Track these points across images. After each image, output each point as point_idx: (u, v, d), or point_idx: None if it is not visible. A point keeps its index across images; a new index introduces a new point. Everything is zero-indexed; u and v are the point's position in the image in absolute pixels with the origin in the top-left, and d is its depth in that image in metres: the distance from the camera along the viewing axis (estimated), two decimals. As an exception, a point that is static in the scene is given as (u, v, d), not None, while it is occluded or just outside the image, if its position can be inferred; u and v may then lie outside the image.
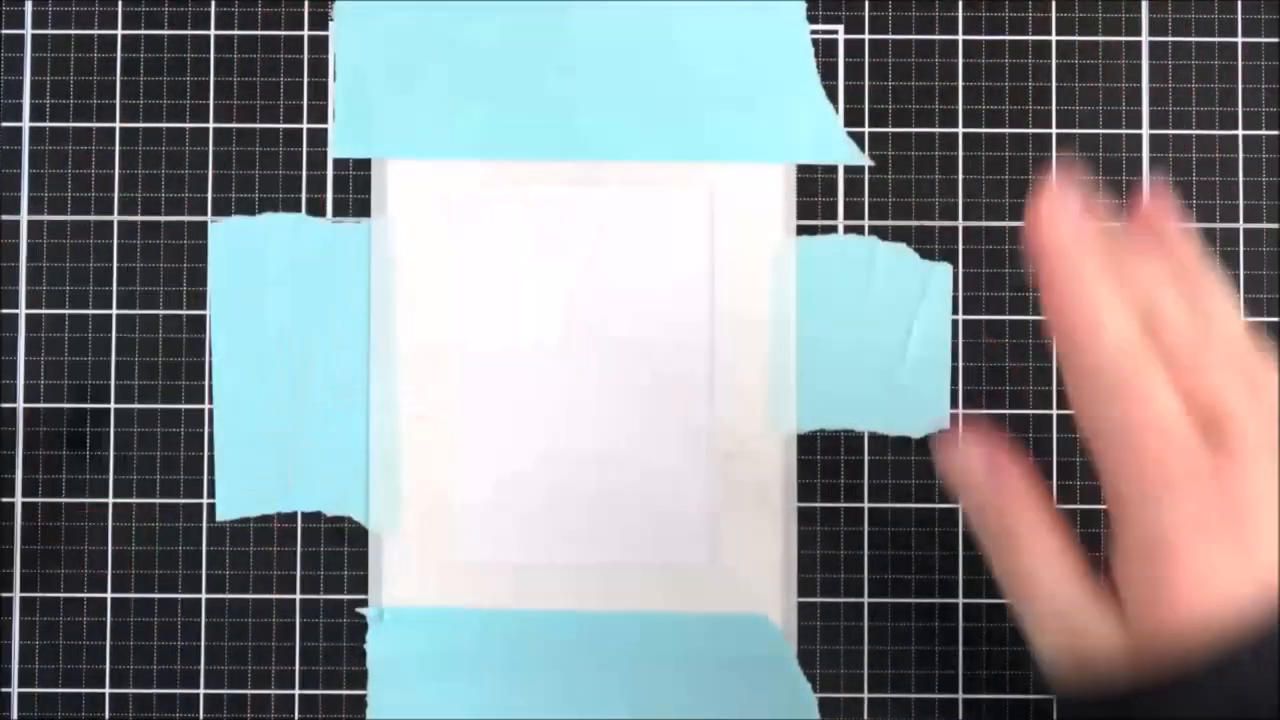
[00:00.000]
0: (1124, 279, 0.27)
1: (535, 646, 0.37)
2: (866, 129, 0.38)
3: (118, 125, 0.38)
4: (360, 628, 0.37)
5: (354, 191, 0.38)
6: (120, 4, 0.38)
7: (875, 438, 0.37)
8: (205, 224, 0.38)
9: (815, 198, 0.38)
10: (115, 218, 0.38)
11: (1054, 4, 0.38)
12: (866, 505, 0.37)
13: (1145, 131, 0.38)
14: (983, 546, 0.29)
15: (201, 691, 0.37)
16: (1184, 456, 0.26)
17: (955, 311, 0.37)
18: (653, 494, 0.37)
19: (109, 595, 0.37)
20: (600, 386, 0.37)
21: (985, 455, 0.29)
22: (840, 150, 0.38)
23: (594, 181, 0.37)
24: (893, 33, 0.38)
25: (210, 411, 0.37)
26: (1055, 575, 0.28)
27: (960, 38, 0.38)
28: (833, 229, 0.38)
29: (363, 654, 0.37)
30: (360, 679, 0.37)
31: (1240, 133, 0.38)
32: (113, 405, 0.37)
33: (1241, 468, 0.26)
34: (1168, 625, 0.25)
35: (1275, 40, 0.38)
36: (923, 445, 0.37)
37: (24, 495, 0.37)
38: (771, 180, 0.37)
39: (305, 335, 0.37)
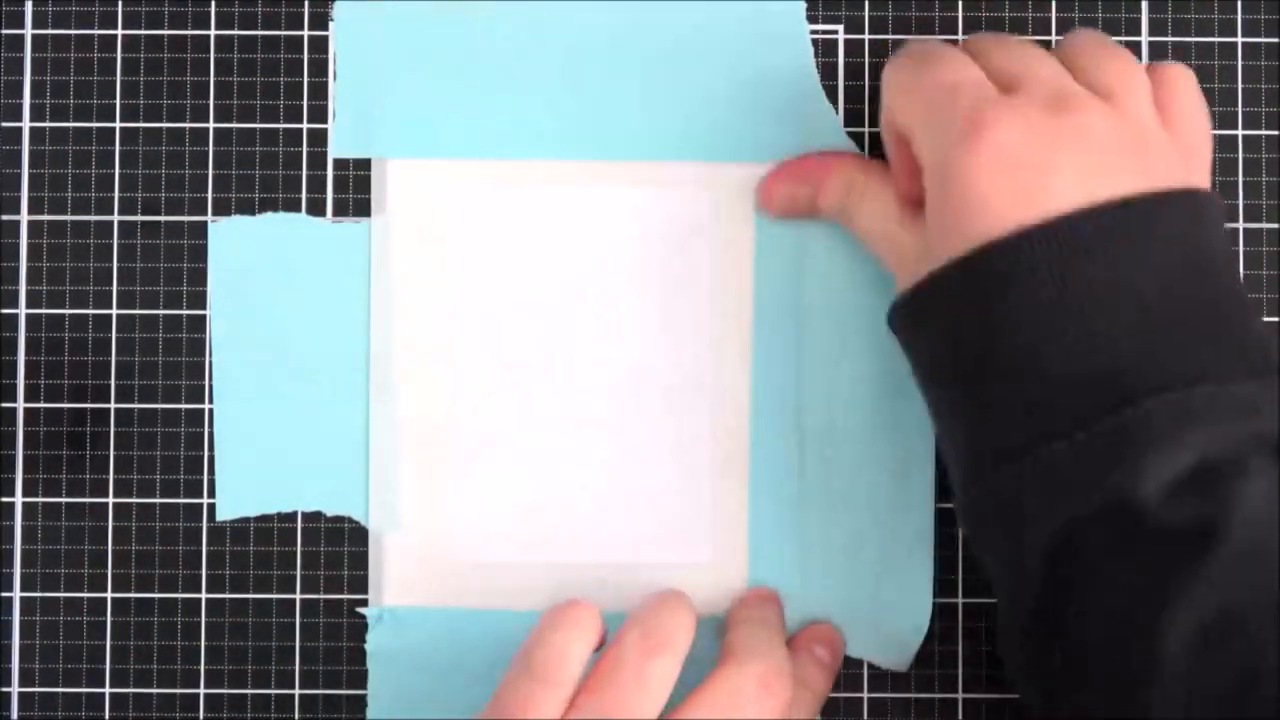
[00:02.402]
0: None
1: (535, 646, 0.37)
2: (866, 129, 0.38)
3: (118, 125, 0.38)
4: (360, 628, 0.37)
5: (354, 191, 0.38)
6: (120, 4, 0.38)
7: (875, 438, 0.37)
8: (205, 224, 0.38)
9: (815, 198, 0.38)
10: (115, 218, 0.38)
11: (1054, 4, 0.38)
12: (866, 505, 0.37)
13: (1145, 131, 0.38)
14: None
15: (201, 691, 0.37)
16: (984, 100, 0.31)
17: (955, 311, 0.37)
18: (653, 494, 0.37)
19: (109, 595, 0.37)
20: (600, 386, 0.37)
21: (786, 174, 0.36)
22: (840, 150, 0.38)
23: (594, 181, 0.37)
24: (893, 33, 0.38)
25: (210, 411, 0.37)
26: (885, 218, 0.34)
27: (960, 38, 0.38)
28: (833, 229, 0.37)
29: (363, 654, 0.37)
30: (360, 679, 0.37)
31: (1240, 133, 0.38)
32: (113, 405, 0.37)
33: (1028, 112, 0.30)
34: (954, 235, 0.30)
35: (1275, 40, 0.38)
36: (923, 445, 0.37)
37: (24, 495, 0.37)
38: (771, 180, 0.37)
39: (305, 335, 0.37)
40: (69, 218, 0.38)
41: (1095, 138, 0.30)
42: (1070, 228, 0.29)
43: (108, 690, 0.37)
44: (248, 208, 0.38)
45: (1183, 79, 0.33)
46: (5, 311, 0.38)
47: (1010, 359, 0.30)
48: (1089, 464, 0.29)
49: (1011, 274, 0.29)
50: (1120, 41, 0.38)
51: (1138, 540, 0.28)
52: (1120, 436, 0.28)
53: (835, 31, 0.38)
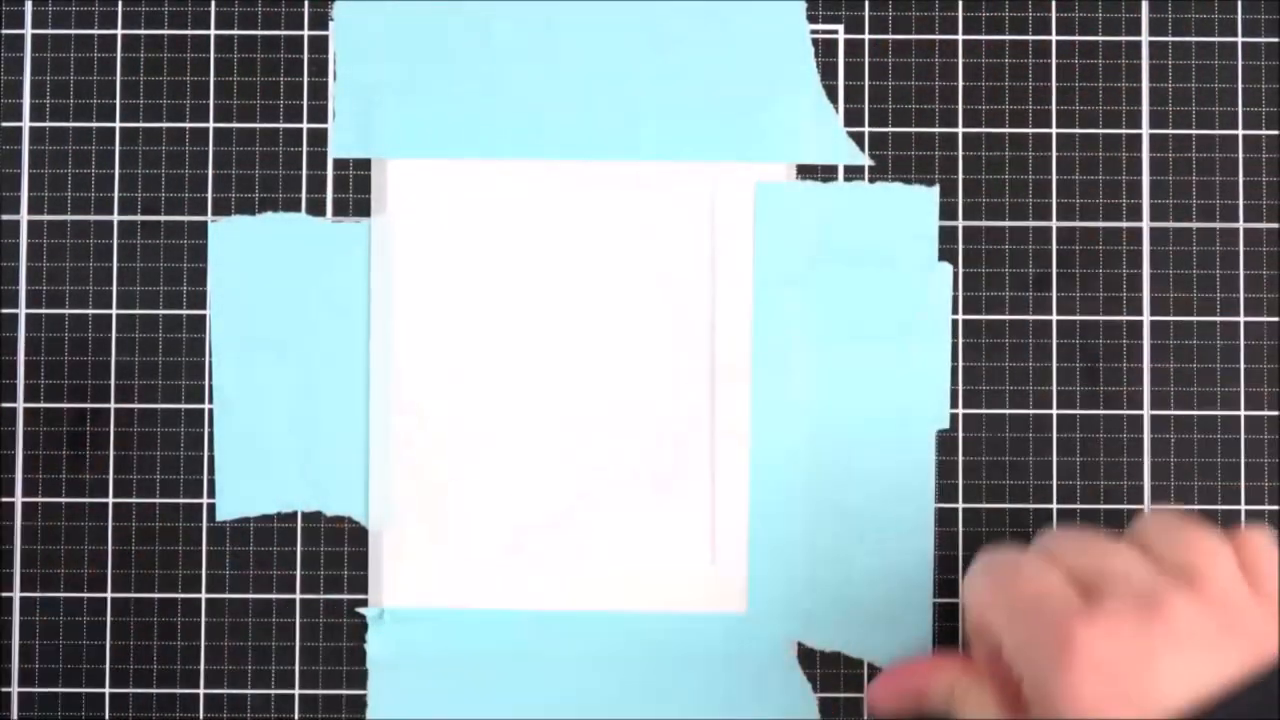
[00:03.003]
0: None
1: (535, 646, 0.37)
2: (866, 129, 0.38)
3: (118, 125, 0.38)
4: (360, 628, 0.37)
5: (354, 191, 0.38)
6: (120, 4, 0.38)
7: (875, 438, 0.37)
8: (205, 224, 0.38)
9: (815, 198, 0.38)
10: (115, 218, 0.38)
11: (1054, 4, 0.38)
12: (866, 505, 0.37)
13: (1145, 131, 0.38)
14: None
15: (201, 691, 0.37)
16: (1070, 612, 0.30)
17: (955, 311, 0.37)
18: (653, 494, 0.37)
19: (109, 595, 0.37)
20: (600, 386, 0.37)
21: (894, 683, 0.35)
22: (840, 150, 0.38)
23: (594, 181, 0.38)
24: (893, 33, 0.38)
25: (210, 411, 0.37)
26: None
27: (960, 38, 0.38)
28: (833, 229, 0.37)
29: (363, 654, 0.37)
30: (360, 679, 0.37)
31: (1240, 133, 0.38)
32: (113, 405, 0.37)
33: (1116, 619, 0.30)
34: None
35: (1275, 40, 0.38)
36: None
37: (24, 495, 0.37)
38: (772, 180, 0.37)
39: (305, 335, 0.37)
40: (69, 218, 0.38)
41: (1189, 632, 0.30)
42: None
43: (108, 690, 0.37)
44: (248, 208, 0.38)
45: (1264, 543, 0.32)
46: (5, 311, 0.38)
47: None
48: None
49: None
50: (1120, 42, 0.38)
51: None
52: None
53: (835, 31, 0.38)
